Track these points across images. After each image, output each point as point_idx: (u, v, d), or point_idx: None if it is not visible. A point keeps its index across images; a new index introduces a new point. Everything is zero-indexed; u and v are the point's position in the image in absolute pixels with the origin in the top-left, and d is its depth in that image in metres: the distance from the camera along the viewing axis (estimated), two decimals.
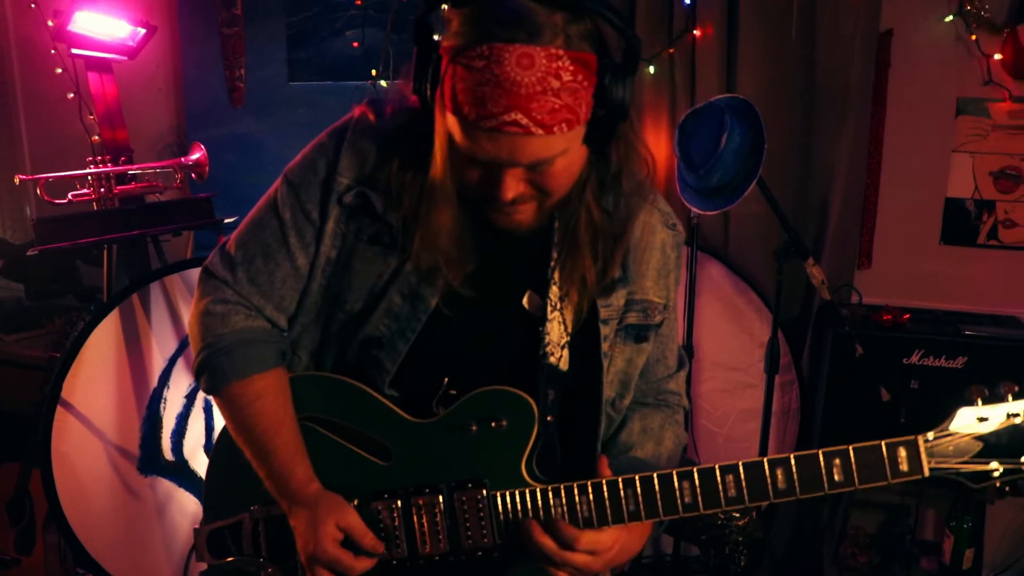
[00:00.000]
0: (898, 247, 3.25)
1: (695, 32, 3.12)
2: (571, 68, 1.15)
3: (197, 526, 1.54)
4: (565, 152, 1.22)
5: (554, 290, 1.40)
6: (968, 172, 3.16)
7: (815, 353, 3.17)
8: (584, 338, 1.43)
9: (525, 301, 1.43)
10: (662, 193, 3.24)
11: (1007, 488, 1.28)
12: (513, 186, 1.24)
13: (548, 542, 1.33)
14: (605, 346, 1.44)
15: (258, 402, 1.42)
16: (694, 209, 2.80)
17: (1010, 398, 1.27)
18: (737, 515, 2.58)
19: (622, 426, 1.57)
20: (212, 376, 1.44)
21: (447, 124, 1.22)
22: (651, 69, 3.19)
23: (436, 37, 1.21)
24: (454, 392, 1.40)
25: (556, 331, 1.41)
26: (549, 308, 1.40)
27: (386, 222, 1.37)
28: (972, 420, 1.27)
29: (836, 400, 2.99)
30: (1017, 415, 1.26)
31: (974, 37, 2.98)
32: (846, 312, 3.02)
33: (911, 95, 3.14)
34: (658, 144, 3.23)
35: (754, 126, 2.64)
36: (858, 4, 2.96)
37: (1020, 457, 1.26)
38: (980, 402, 1.27)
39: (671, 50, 3.17)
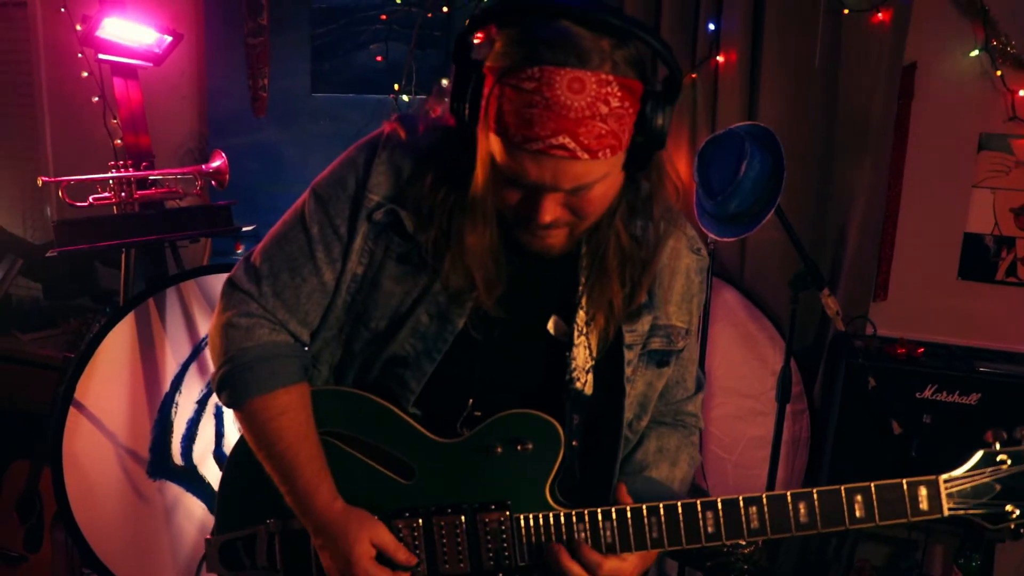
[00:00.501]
0: (915, 280, 3.23)
1: (718, 58, 3.12)
2: (619, 94, 1.15)
3: (208, 536, 1.53)
4: (605, 177, 1.23)
5: (581, 315, 1.40)
6: (988, 208, 3.14)
7: (827, 383, 3.15)
8: (608, 363, 1.44)
9: (551, 326, 1.43)
10: None
11: (1023, 531, 1.30)
12: (551, 209, 1.24)
13: (575, 568, 1.34)
14: (629, 371, 1.45)
15: (282, 417, 1.40)
16: (711, 235, 2.79)
17: None
18: (743, 543, 2.56)
19: (638, 445, 1.57)
20: (235, 390, 1.42)
21: (489, 144, 1.22)
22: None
23: (477, 57, 1.21)
24: (479, 414, 1.40)
25: (582, 356, 1.41)
26: (576, 333, 1.40)
27: (416, 241, 1.36)
28: (990, 462, 1.29)
29: (847, 431, 2.97)
30: None
31: (999, 73, 2.97)
32: (860, 343, 3.01)
33: (933, 128, 3.13)
34: (678, 169, 3.23)
35: (774, 154, 2.63)
36: (883, 36, 2.96)
37: None
38: (998, 445, 1.30)
39: (693, 75, 3.17)
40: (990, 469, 1.29)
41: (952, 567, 2.96)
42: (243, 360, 1.41)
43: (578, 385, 1.40)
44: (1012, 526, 1.30)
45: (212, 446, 3.03)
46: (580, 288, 1.40)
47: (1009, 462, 1.29)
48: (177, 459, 2.96)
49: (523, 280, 1.39)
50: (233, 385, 1.42)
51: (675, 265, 1.48)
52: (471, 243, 1.31)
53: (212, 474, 3.02)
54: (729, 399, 3.25)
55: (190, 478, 2.98)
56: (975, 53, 3.00)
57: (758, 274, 3.22)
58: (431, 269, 1.36)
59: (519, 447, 1.37)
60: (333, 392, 1.47)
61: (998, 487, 1.28)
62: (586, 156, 1.16)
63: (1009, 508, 1.29)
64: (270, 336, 1.42)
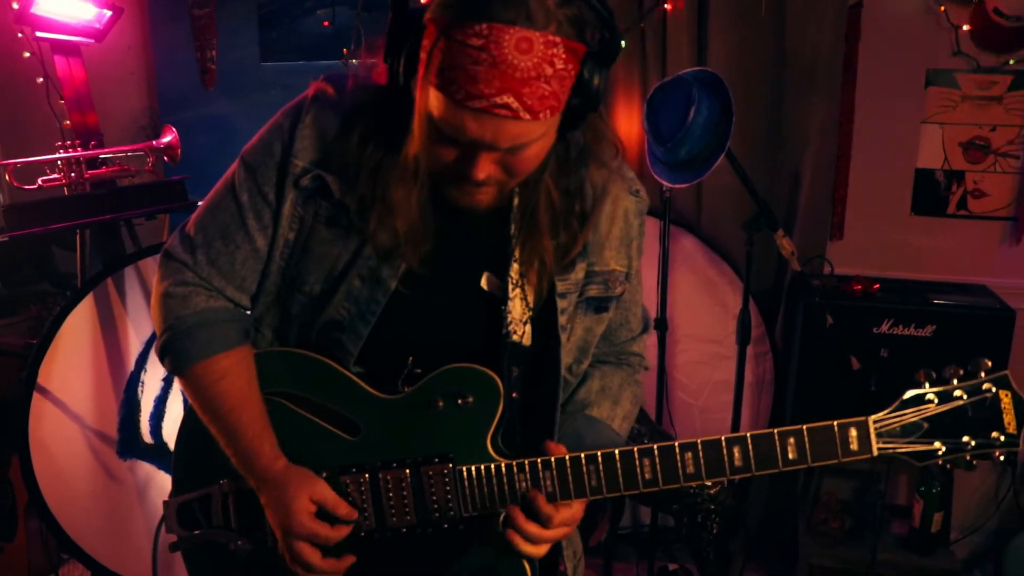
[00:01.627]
0: (869, 218, 3.26)
1: (666, 6, 3.10)
2: (563, 56, 1.14)
3: (167, 498, 1.55)
4: (542, 137, 1.22)
5: (515, 267, 1.40)
6: (938, 143, 3.16)
7: (788, 324, 3.19)
8: (544, 313, 1.45)
9: (484, 283, 1.43)
10: (635, 168, 3.27)
11: (975, 462, 1.34)
12: (485, 167, 1.23)
13: (531, 528, 1.36)
14: (563, 319, 1.45)
15: (222, 381, 1.42)
16: (664, 183, 2.80)
17: (955, 381, 1.33)
18: (709, 483, 2.60)
19: (581, 384, 1.59)
20: (175, 357, 1.44)
21: (427, 99, 1.19)
22: (622, 43, 3.16)
23: (418, 7, 1.19)
24: (419, 371, 1.41)
25: (518, 308, 1.42)
26: (511, 286, 1.41)
27: (343, 204, 1.36)
28: (919, 402, 1.32)
29: (808, 370, 3.00)
30: (961, 398, 1.32)
31: (943, 8, 2.99)
32: (817, 283, 3.04)
33: (881, 67, 3.14)
34: (630, 118, 3.23)
35: (722, 99, 2.63)
36: None
37: (961, 437, 1.32)
38: (927, 385, 1.33)
39: (641, 24, 3.14)
40: (918, 408, 1.32)
41: (914, 496, 3.03)
42: (181, 328, 1.42)
43: (515, 337, 1.42)
44: (940, 462, 1.33)
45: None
46: (512, 242, 1.39)
47: (936, 401, 1.31)
48: (147, 437, 2.95)
49: (454, 238, 1.39)
50: (174, 352, 1.44)
51: (612, 210, 1.47)
52: (396, 199, 1.31)
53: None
54: (692, 345, 3.28)
55: (161, 455, 2.97)
56: None
57: (715, 220, 3.24)
58: (359, 232, 1.36)
59: (459, 401, 1.39)
60: (278, 353, 1.48)
61: (926, 425, 1.31)
62: (528, 117, 1.15)
63: (936, 445, 1.32)
64: (207, 303, 1.44)
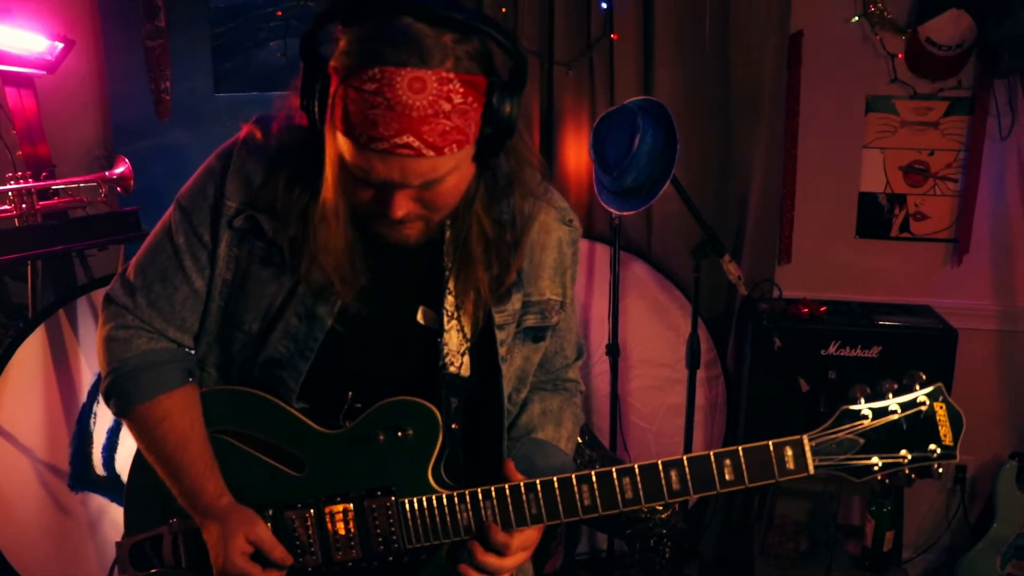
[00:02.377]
0: (816, 241, 3.33)
1: (612, 36, 3.16)
2: (461, 90, 1.16)
3: (119, 540, 1.55)
4: (455, 170, 1.23)
5: (449, 299, 1.42)
6: (879, 167, 3.25)
7: (738, 347, 3.24)
8: (482, 344, 1.46)
9: (419, 316, 1.45)
10: (584, 197, 3.34)
11: (913, 476, 1.35)
12: (403, 204, 1.24)
13: (491, 559, 1.39)
14: (503, 351, 1.47)
15: (165, 422, 1.43)
16: (612, 210, 2.86)
17: (890, 396, 1.35)
18: (660, 508, 2.64)
19: (522, 411, 1.61)
20: (119, 400, 1.46)
21: (337, 144, 1.22)
22: (570, 73, 3.22)
23: (324, 55, 1.20)
24: (359, 405, 1.42)
25: (455, 340, 1.43)
26: (446, 318, 1.42)
27: (276, 244, 1.37)
28: (854, 417, 1.34)
29: (759, 393, 3.05)
30: (895, 412, 1.33)
31: (878, 37, 3.08)
32: (765, 306, 3.08)
33: (823, 93, 3.22)
34: (579, 147, 3.27)
35: (666, 127, 2.68)
36: (769, 5, 3.03)
37: (899, 451, 1.34)
38: (863, 400, 1.35)
39: (589, 55, 3.21)
40: (853, 424, 1.33)
41: (866, 515, 3.08)
42: (124, 371, 1.44)
43: (452, 369, 1.43)
44: (879, 477, 1.34)
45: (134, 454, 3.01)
46: (446, 274, 1.41)
47: (871, 416, 1.32)
48: (99, 469, 2.92)
49: (387, 272, 1.40)
50: (117, 395, 1.46)
51: (545, 240, 1.49)
52: (324, 241, 1.32)
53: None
54: (645, 370, 3.31)
55: (113, 487, 2.93)
56: (855, 19, 3.11)
57: (665, 245, 3.27)
58: (293, 270, 1.38)
59: (399, 433, 1.40)
60: (222, 392, 1.49)
61: (862, 441, 1.32)
62: (432, 153, 1.16)
63: (874, 460, 1.33)
64: (148, 345, 1.45)
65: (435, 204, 1.28)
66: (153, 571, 1.51)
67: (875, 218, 3.29)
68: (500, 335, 1.46)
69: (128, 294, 1.46)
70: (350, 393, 1.43)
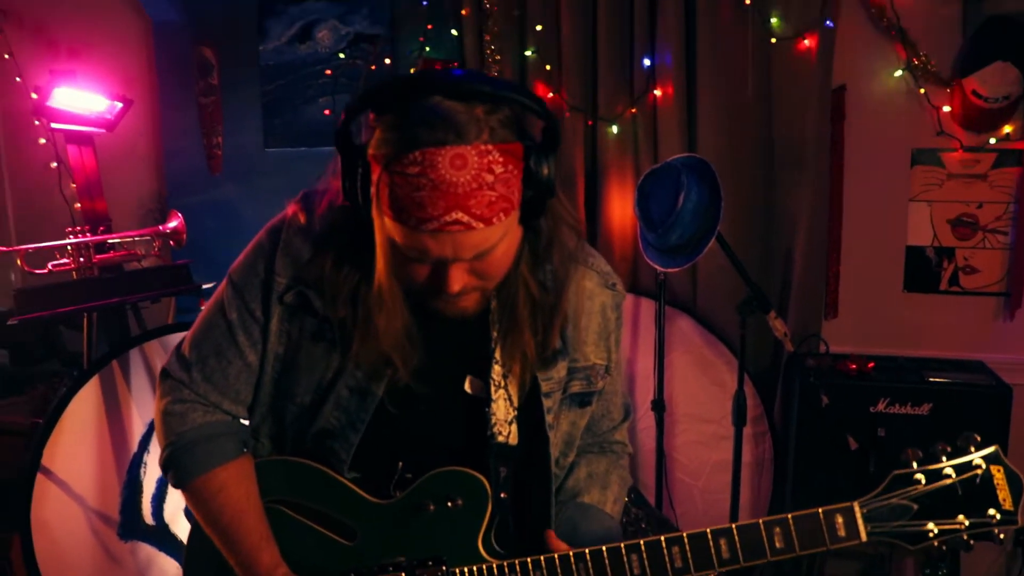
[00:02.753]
0: (863, 296, 3.30)
1: (655, 92, 3.20)
2: (501, 160, 1.18)
3: None
4: (504, 237, 1.26)
5: (496, 369, 1.44)
6: (926, 220, 3.23)
7: (785, 404, 3.20)
8: (529, 411, 1.47)
9: (467, 386, 1.46)
10: (629, 252, 3.36)
11: (972, 541, 1.32)
12: (459, 278, 1.26)
13: None
14: (549, 418, 1.48)
15: (221, 494, 1.46)
16: (657, 267, 2.88)
17: (944, 459, 1.32)
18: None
19: (569, 474, 1.61)
20: (177, 473, 1.49)
21: (386, 228, 1.24)
22: (614, 129, 3.26)
23: (361, 144, 1.23)
24: (409, 475, 1.45)
25: (502, 409, 1.45)
26: (493, 388, 1.44)
27: (327, 319, 1.40)
28: (907, 482, 1.31)
29: (807, 450, 2.99)
30: (950, 476, 1.30)
31: (923, 91, 3.08)
32: (812, 362, 3.06)
33: (867, 147, 3.21)
34: (623, 202, 3.30)
35: (711, 184, 2.69)
36: (811, 61, 3.05)
37: (955, 516, 1.30)
38: (915, 464, 1.32)
39: (632, 110, 3.25)
40: (906, 489, 1.31)
41: None
42: (181, 444, 1.47)
43: (500, 438, 1.45)
44: (935, 543, 1.31)
45: (183, 503, 3.02)
46: (492, 344, 1.43)
47: (924, 480, 1.30)
48: (148, 519, 2.97)
49: (437, 344, 1.42)
50: (175, 468, 1.49)
51: (588, 306, 1.51)
52: (381, 325, 1.34)
53: (184, 532, 3.01)
54: (691, 425, 3.29)
55: (162, 537, 2.98)
56: (899, 73, 3.11)
57: (710, 300, 3.27)
58: (344, 347, 1.40)
59: (449, 503, 1.42)
60: (276, 462, 1.52)
61: (915, 507, 1.30)
62: (481, 225, 1.19)
63: (929, 526, 1.30)
64: (204, 418, 1.49)
65: (489, 273, 1.30)
66: None
67: (923, 272, 3.26)
68: (547, 403, 1.48)
69: (184, 369, 1.50)
70: (400, 463, 1.45)
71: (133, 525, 2.94)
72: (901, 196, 3.23)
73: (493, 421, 1.44)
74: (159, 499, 3.00)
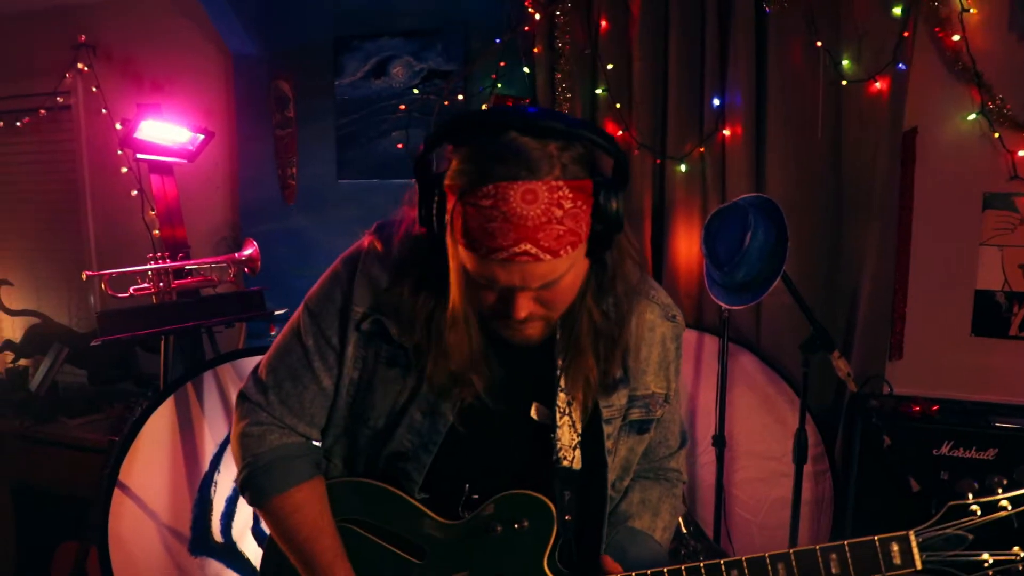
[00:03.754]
0: (929, 338, 3.31)
1: (725, 132, 3.27)
2: (570, 196, 1.25)
3: None
4: (570, 269, 1.32)
5: (561, 396, 1.50)
6: (997, 265, 3.22)
7: (847, 443, 3.21)
8: (590, 437, 1.54)
9: (533, 413, 1.52)
10: (694, 289, 3.39)
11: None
12: (525, 305, 1.33)
13: None
14: (609, 444, 1.55)
15: (297, 514, 1.54)
16: (723, 304, 2.92)
17: (1000, 491, 1.34)
18: None
19: (623, 498, 1.67)
20: (254, 492, 1.57)
21: (459, 255, 1.32)
22: (683, 167, 3.34)
23: (438, 175, 1.31)
24: (476, 497, 1.51)
25: (567, 435, 1.50)
26: (558, 415, 1.50)
27: (402, 346, 1.47)
28: (963, 513, 1.35)
29: (867, 491, 3.02)
30: (1005, 508, 1.33)
31: (997, 135, 3.08)
32: (875, 403, 3.08)
33: (938, 190, 3.22)
34: (689, 240, 3.37)
35: (778, 224, 2.75)
36: (882, 103, 3.08)
37: (1012, 548, 1.33)
38: (971, 496, 1.35)
39: (701, 149, 3.32)
40: (961, 520, 1.34)
41: None
42: (258, 465, 1.55)
43: (566, 463, 1.50)
44: (990, 573, 1.33)
45: (250, 522, 3.16)
46: (558, 371, 1.49)
47: (979, 512, 1.33)
48: (217, 536, 3.08)
49: (505, 370, 1.48)
50: (253, 488, 1.56)
51: (650, 336, 1.58)
52: (454, 344, 1.41)
53: (251, 550, 3.13)
54: (751, 462, 3.33)
55: (230, 554, 3.09)
56: (973, 116, 3.12)
57: (773, 338, 3.31)
58: (418, 371, 1.47)
59: (516, 525, 1.48)
60: (349, 484, 1.59)
61: (971, 537, 1.33)
62: (549, 257, 1.25)
63: (984, 557, 1.33)
64: (280, 440, 1.56)
65: (554, 302, 1.37)
66: None
67: (992, 316, 3.26)
68: (607, 429, 1.54)
69: (261, 392, 1.58)
70: (466, 486, 1.51)
71: (203, 541, 3.05)
72: (972, 240, 3.23)
73: (559, 447, 1.50)
74: (228, 517, 3.11)
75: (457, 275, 1.36)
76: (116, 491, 2.85)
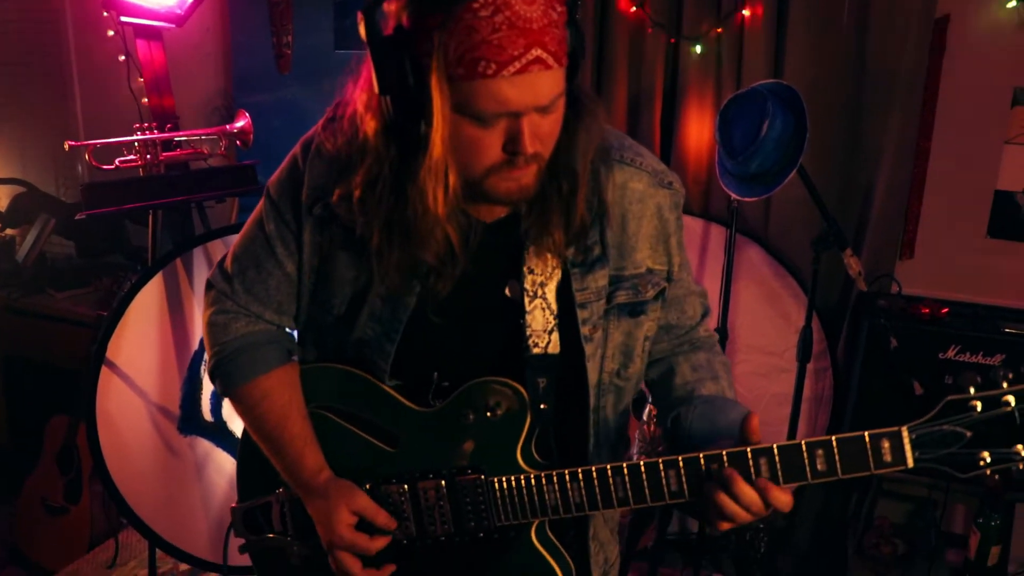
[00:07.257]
0: (942, 238, 3.26)
1: (744, 12, 3.14)
2: None
3: (234, 504, 1.68)
4: (563, 91, 1.25)
5: (530, 279, 1.44)
6: (1021, 165, 3.11)
7: (851, 342, 3.22)
8: (569, 322, 1.47)
9: (507, 291, 1.46)
10: (703, 176, 3.27)
11: (997, 476, 1.24)
12: (533, 135, 1.23)
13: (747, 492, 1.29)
14: (585, 330, 1.47)
15: (265, 401, 1.53)
16: (733, 195, 2.80)
17: (1004, 385, 1.21)
18: None
19: (671, 376, 1.60)
20: (222, 381, 1.57)
21: (451, 98, 1.20)
22: (697, 48, 3.23)
23: (398, 26, 1.20)
24: (446, 384, 1.47)
25: (540, 319, 1.45)
26: (527, 299, 1.44)
27: (353, 230, 1.40)
28: (961, 409, 1.23)
29: (868, 390, 3.02)
30: (1008, 403, 1.20)
31: None
32: (883, 303, 3.06)
33: (965, 83, 3.11)
34: (700, 126, 3.30)
35: (797, 114, 2.66)
36: None
37: (1013, 446, 1.21)
38: (972, 390, 1.23)
39: (718, 30, 3.20)
40: (960, 416, 1.23)
41: (972, 526, 2.98)
42: (224, 353, 1.54)
43: (538, 350, 1.45)
44: (988, 472, 1.23)
45: None
46: (524, 251, 1.42)
47: (980, 407, 1.22)
48: (207, 415, 3.09)
49: (470, 252, 1.40)
50: (220, 376, 1.56)
51: (639, 209, 1.47)
52: (419, 224, 1.31)
53: (241, 429, 3.08)
54: (752, 356, 3.32)
55: (220, 433, 3.11)
56: (1012, 4, 2.95)
57: (782, 231, 3.27)
58: (374, 255, 1.41)
59: (488, 414, 1.44)
60: (322, 368, 1.58)
61: (969, 433, 1.22)
62: (556, 64, 1.19)
63: (982, 455, 1.22)
64: (247, 328, 1.55)
65: (548, 133, 1.28)
66: (263, 536, 1.63)
67: (1011, 218, 3.18)
68: (582, 314, 1.46)
69: (226, 280, 1.57)
70: (435, 373, 1.48)
71: (192, 420, 3.07)
72: (997, 137, 3.14)
73: (529, 332, 1.45)
74: (218, 396, 3.12)
75: (445, 129, 1.24)
76: (104, 368, 2.84)
